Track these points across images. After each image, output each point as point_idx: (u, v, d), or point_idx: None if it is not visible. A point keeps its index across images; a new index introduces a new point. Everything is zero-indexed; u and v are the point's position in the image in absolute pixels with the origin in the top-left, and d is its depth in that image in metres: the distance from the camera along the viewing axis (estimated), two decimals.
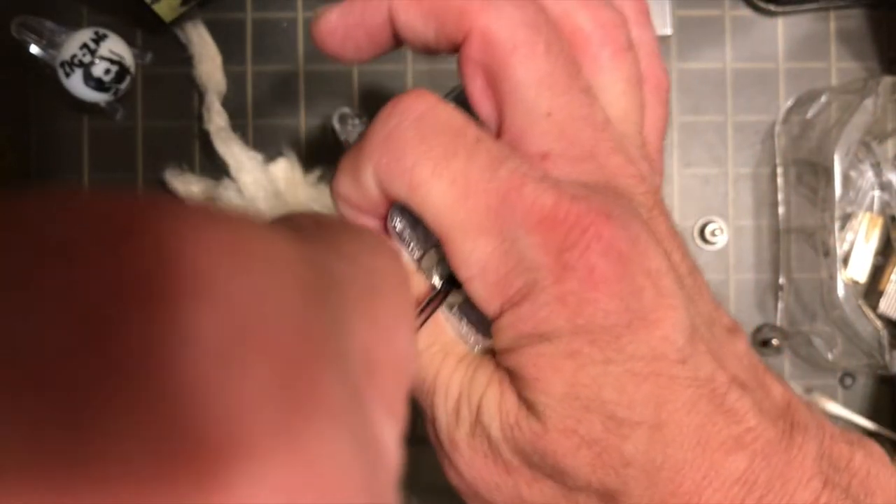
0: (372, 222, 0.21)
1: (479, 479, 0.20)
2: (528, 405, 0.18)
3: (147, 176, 0.42)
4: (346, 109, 0.41)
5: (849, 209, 0.39)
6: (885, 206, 0.40)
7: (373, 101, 0.42)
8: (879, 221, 0.39)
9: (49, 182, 0.42)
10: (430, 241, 0.21)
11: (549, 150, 0.19)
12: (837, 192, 0.37)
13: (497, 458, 0.19)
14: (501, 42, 0.19)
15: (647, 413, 0.18)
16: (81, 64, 0.37)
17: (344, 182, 0.21)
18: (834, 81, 0.42)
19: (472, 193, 0.18)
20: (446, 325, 0.21)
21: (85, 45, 0.37)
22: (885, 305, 0.39)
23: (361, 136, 0.21)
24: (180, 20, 0.40)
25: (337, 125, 0.41)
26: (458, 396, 0.20)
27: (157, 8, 0.38)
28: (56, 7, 0.41)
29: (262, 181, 0.39)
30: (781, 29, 0.42)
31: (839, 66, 0.42)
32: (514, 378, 0.19)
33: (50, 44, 0.38)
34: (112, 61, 0.38)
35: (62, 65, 0.37)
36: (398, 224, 0.21)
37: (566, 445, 0.18)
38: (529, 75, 0.19)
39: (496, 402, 0.19)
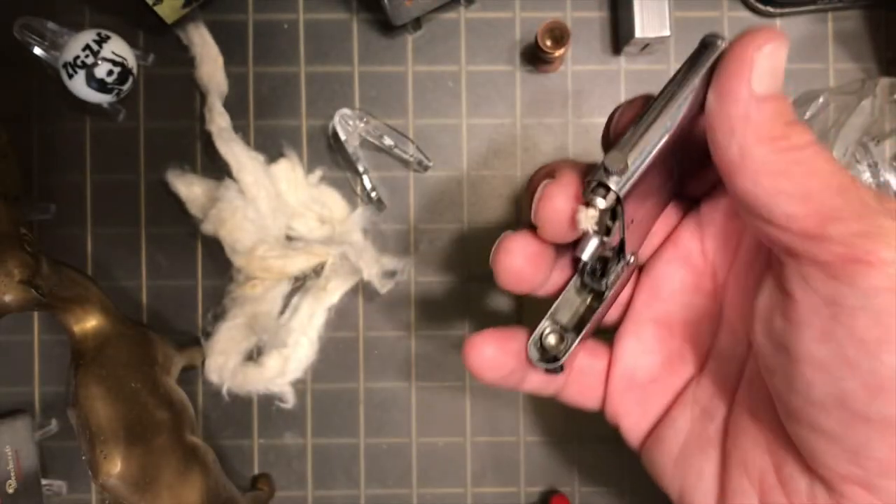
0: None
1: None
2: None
3: (149, 176, 0.42)
4: (347, 110, 0.41)
5: None
6: None
7: (373, 102, 0.42)
8: None
9: (51, 182, 0.42)
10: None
11: None
12: None
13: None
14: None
15: None
16: (84, 65, 0.37)
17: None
18: (832, 82, 0.42)
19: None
20: None
21: (87, 47, 0.37)
22: None
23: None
24: (182, 21, 0.40)
25: (338, 126, 0.41)
26: None
27: (159, 9, 0.38)
28: (58, 8, 0.41)
29: (264, 181, 0.40)
30: (779, 30, 0.42)
31: (837, 67, 0.42)
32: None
33: (52, 45, 0.38)
34: (114, 62, 0.38)
35: (65, 66, 0.37)
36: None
37: None
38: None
39: None
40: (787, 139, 0.20)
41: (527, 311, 0.43)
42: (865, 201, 0.19)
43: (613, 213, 0.21)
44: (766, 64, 0.19)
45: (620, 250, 0.23)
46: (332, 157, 0.42)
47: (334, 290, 0.41)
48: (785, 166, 0.19)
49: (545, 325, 0.24)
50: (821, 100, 0.40)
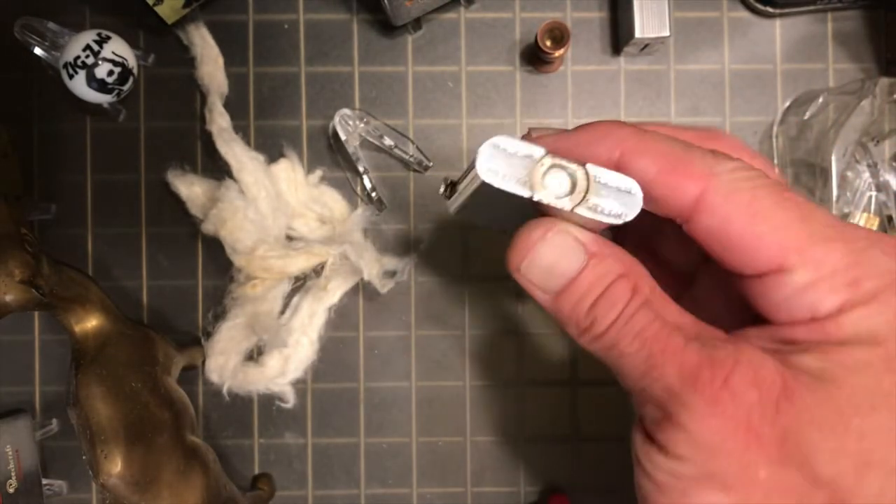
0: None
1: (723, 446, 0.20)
2: (819, 377, 0.19)
3: (149, 176, 0.42)
4: (347, 110, 0.41)
5: (846, 210, 0.39)
6: (881, 206, 0.40)
7: (373, 102, 0.42)
8: (876, 222, 0.40)
9: (52, 182, 0.42)
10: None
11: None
12: (834, 192, 0.37)
13: (749, 427, 0.19)
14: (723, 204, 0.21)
15: None
16: (84, 65, 0.37)
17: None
18: (831, 83, 0.42)
19: (816, 215, 0.20)
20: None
21: (88, 47, 0.37)
22: None
23: None
24: (182, 22, 0.40)
25: (338, 126, 0.41)
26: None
27: (159, 10, 0.38)
28: (59, 9, 0.41)
29: (264, 181, 0.40)
30: (779, 30, 0.43)
31: (836, 68, 0.43)
32: (809, 362, 0.20)
33: (53, 45, 0.38)
34: (115, 63, 0.38)
35: (65, 66, 0.37)
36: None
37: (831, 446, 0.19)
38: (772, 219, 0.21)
39: (752, 376, 0.19)
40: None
41: (528, 311, 0.43)
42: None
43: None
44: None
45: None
46: (332, 157, 0.42)
47: (335, 290, 0.41)
48: None
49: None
50: (820, 100, 0.40)
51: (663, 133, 0.22)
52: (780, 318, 0.21)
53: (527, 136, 0.24)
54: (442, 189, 0.24)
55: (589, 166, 0.21)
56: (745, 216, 0.20)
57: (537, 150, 0.21)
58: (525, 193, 0.21)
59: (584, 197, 0.21)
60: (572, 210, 0.21)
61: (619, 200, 0.21)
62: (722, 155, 0.21)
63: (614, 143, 0.22)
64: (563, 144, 0.23)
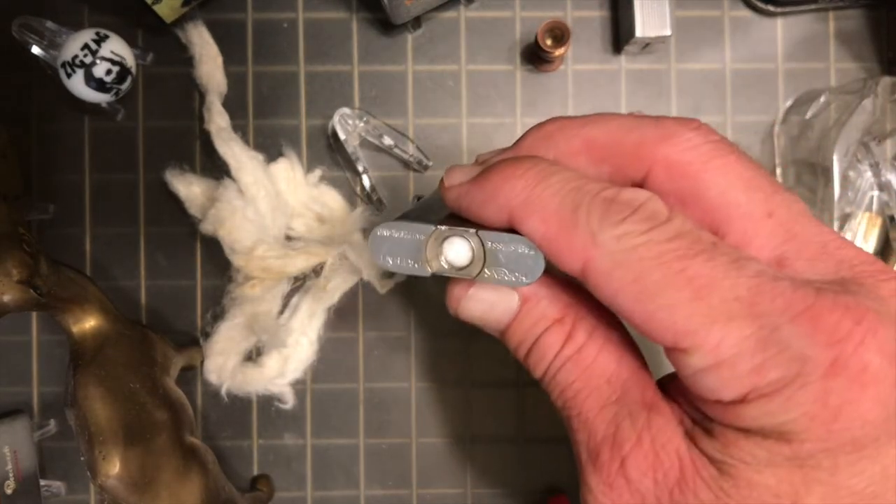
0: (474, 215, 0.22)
1: None
2: (719, 469, 0.18)
3: (148, 176, 0.42)
4: (347, 110, 0.41)
5: (847, 209, 0.39)
6: (883, 206, 0.40)
7: (373, 102, 0.42)
8: (878, 221, 0.40)
9: (50, 182, 0.42)
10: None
11: (782, 253, 0.19)
12: (836, 192, 0.37)
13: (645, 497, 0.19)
14: (690, 162, 0.20)
15: None
16: (82, 64, 0.37)
17: (486, 186, 0.21)
18: (833, 82, 0.42)
19: (717, 289, 0.17)
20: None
21: (86, 46, 0.37)
22: None
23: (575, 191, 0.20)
24: (181, 21, 0.40)
25: (337, 125, 0.41)
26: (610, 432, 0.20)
27: (158, 9, 0.38)
28: (57, 8, 0.41)
29: (263, 181, 0.39)
30: (780, 29, 0.42)
31: (838, 67, 0.42)
32: (711, 450, 0.18)
33: (51, 44, 0.38)
34: (113, 62, 0.38)
35: (63, 65, 0.37)
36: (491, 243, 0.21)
37: None
38: (735, 182, 0.20)
39: (651, 460, 0.19)
40: None
41: None
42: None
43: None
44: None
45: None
46: (331, 156, 0.42)
47: (334, 291, 0.41)
48: None
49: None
50: (822, 99, 0.40)
51: (568, 169, 0.20)
52: (692, 390, 0.19)
53: (441, 185, 0.23)
54: (412, 202, 0.25)
55: (481, 233, 0.20)
56: (630, 294, 0.18)
57: (426, 228, 0.21)
58: (423, 273, 0.21)
59: (483, 265, 0.20)
60: (476, 279, 0.20)
61: (520, 263, 0.20)
62: (617, 207, 0.18)
63: (505, 200, 0.20)
64: (464, 202, 0.22)
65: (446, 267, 0.21)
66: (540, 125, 0.22)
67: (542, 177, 0.20)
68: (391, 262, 0.21)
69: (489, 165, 0.21)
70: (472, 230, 0.20)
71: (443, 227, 0.21)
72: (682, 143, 0.20)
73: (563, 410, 0.21)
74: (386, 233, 0.21)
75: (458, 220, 0.22)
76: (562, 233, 0.19)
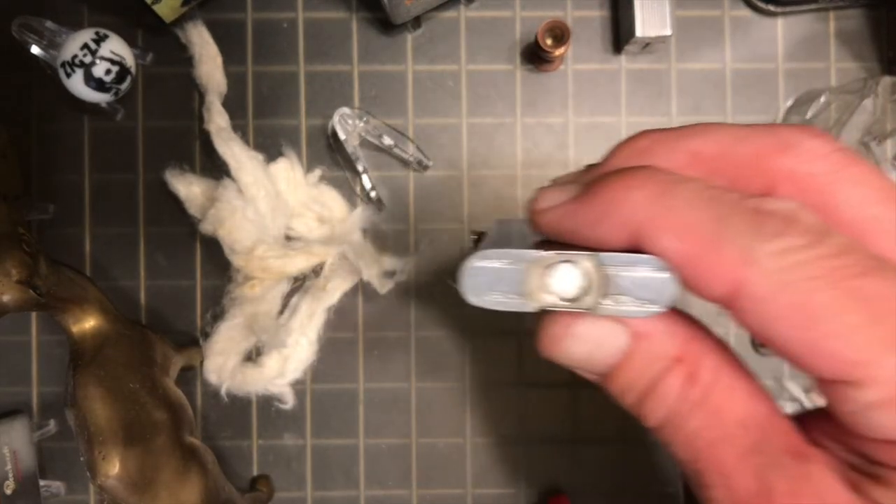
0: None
1: None
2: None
3: (148, 176, 0.42)
4: (347, 109, 0.41)
5: None
6: None
7: (373, 102, 0.42)
8: None
9: (50, 182, 0.42)
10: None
11: None
12: None
13: None
14: (819, 174, 0.17)
15: None
16: (82, 64, 0.37)
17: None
18: (833, 82, 0.42)
19: (892, 313, 0.15)
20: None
21: (85, 46, 0.37)
22: None
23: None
24: (181, 20, 0.40)
25: (337, 125, 0.41)
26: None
27: (157, 8, 0.38)
28: (57, 7, 0.41)
29: (263, 181, 0.39)
30: (781, 29, 0.42)
31: (838, 67, 0.42)
32: (886, 499, 0.17)
33: (50, 44, 0.38)
34: (113, 62, 0.38)
35: (63, 65, 0.37)
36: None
37: None
38: (869, 194, 0.17)
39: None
40: None
41: None
42: None
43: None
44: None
45: None
46: (331, 156, 0.42)
47: (334, 291, 0.41)
48: None
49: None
50: (822, 99, 0.40)
51: (696, 178, 0.17)
52: (856, 429, 0.16)
53: (532, 210, 0.20)
54: (469, 239, 0.22)
55: (603, 255, 0.17)
56: (792, 321, 0.15)
57: (531, 255, 0.18)
58: (527, 308, 0.18)
59: (601, 294, 0.17)
60: (590, 311, 0.17)
61: (648, 288, 0.17)
62: (770, 218, 0.16)
63: (626, 215, 0.17)
64: (568, 224, 0.19)
65: (555, 300, 0.18)
66: (629, 141, 0.20)
67: (669, 185, 0.17)
68: (488, 299, 0.18)
69: (594, 180, 0.18)
70: (590, 253, 0.17)
71: (550, 253, 0.18)
72: (806, 152, 0.17)
73: (691, 464, 0.18)
74: (482, 264, 0.18)
75: (555, 247, 0.19)
76: (705, 250, 0.16)
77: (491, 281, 0.18)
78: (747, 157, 0.18)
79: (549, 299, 0.18)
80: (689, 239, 0.16)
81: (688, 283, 0.17)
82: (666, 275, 0.17)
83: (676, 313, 0.18)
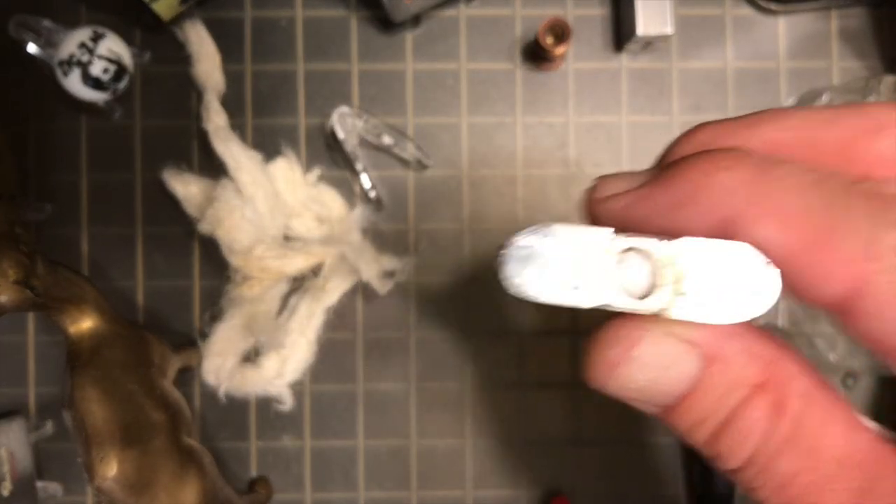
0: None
1: None
2: None
3: (145, 175, 0.42)
4: (346, 109, 0.41)
5: None
6: None
7: (372, 101, 0.42)
8: None
9: (47, 182, 0.42)
10: None
11: None
12: None
13: None
14: None
15: None
16: (79, 63, 0.37)
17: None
18: (835, 80, 0.42)
19: None
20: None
21: (83, 44, 0.37)
22: None
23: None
24: (179, 19, 0.40)
25: (336, 124, 0.40)
26: None
27: (155, 7, 0.38)
28: (54, 6, 0.41)
29: (261, 180, 0.39)
30: (783, 28, 0.42)
31: (840, 65, 0.42)
32: None
33: (48, 43, 0.38)
34: (110, 60, 0.38)
35: (60, 64, 0.37)
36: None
37: None
38: None
39: None
40: None
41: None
42: None
43: None
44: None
45: None
46: (330, 155, 0.42)
47: (333, 291, 0.41)
48: None
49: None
50: (824, 98, 0.39)
51: (792, 160, 0.15)
52: None
53: (592, 199, 0.17)
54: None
55: (682, 241, 0.14)
56: None
57: (599, 234, 0.15)
58: (581, 303, 0.15)
59: (680, 291, 0.14)
60: (663, 314, 0.14)
61: (742, 285, 0.14)
62: (890, 204, 0.13)
63: (716, 200, 0.14)
64: (640, 211, 0.16)
65: (620, 296, 0.15)
66: (687, 135, 0.17)
67: (766, 166, 0.14)
68: (533, 287, 0.15)
69: (669, 164, 0.16)
70: (670, 240, 0.14)
71: (623, 236, 0.15)
72: None
73: None
74: (530, 242, 0.15)
75: None
76: (818, 243, 0.14)
77: (539, 265, 0.15)
78: (833, 142, 0.15)
79: (611, 295, 0.15)
80: (799, 228, 0.14)
81: (792, 283, 0.14)
82: (765, 267, 0.14)
83: (751, 328, 0.15)
